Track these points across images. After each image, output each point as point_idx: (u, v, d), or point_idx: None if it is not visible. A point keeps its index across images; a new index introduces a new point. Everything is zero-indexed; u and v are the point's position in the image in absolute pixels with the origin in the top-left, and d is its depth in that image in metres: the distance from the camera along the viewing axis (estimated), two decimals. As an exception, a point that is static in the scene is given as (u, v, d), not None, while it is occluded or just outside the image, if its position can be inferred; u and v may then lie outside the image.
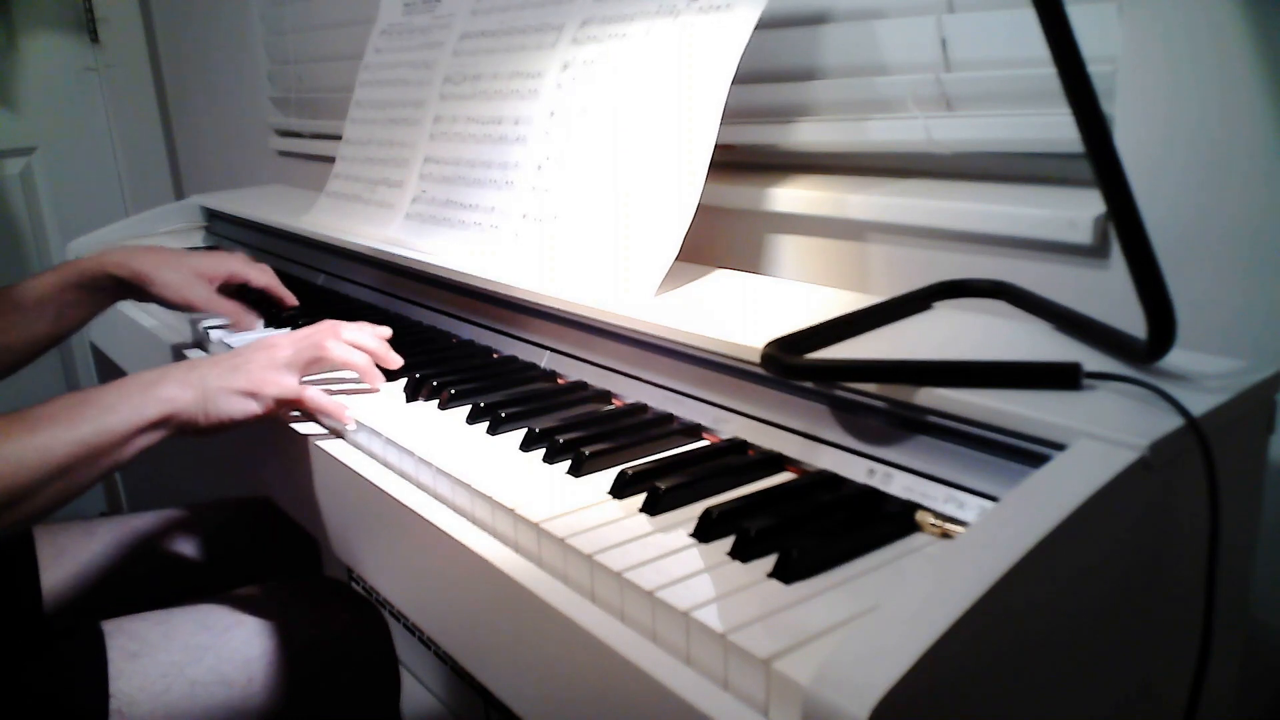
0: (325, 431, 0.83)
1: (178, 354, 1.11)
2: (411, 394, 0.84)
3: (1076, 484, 0.45)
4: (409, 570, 0.71)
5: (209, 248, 1.63)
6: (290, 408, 0.83)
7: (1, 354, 1.02)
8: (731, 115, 0.81)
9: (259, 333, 1.06)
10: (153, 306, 1.18)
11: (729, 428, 0.70)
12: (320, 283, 1.27)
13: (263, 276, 1.11)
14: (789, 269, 0.92)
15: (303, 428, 0.84)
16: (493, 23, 1.08)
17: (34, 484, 0.71)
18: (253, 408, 0.80)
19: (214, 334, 1.06)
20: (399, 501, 0.69)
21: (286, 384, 0.81)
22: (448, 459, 0.69)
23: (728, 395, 0.70)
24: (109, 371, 2.17)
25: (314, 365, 0.83)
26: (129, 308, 1.27)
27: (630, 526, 0.58)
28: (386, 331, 0.89)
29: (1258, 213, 0.63)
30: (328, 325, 0.86)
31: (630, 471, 0.63)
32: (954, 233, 0.78)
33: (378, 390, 0.85)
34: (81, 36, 2.24)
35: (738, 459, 0.66)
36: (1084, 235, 0.69)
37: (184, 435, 0.79)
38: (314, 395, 0.81)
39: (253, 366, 0.81)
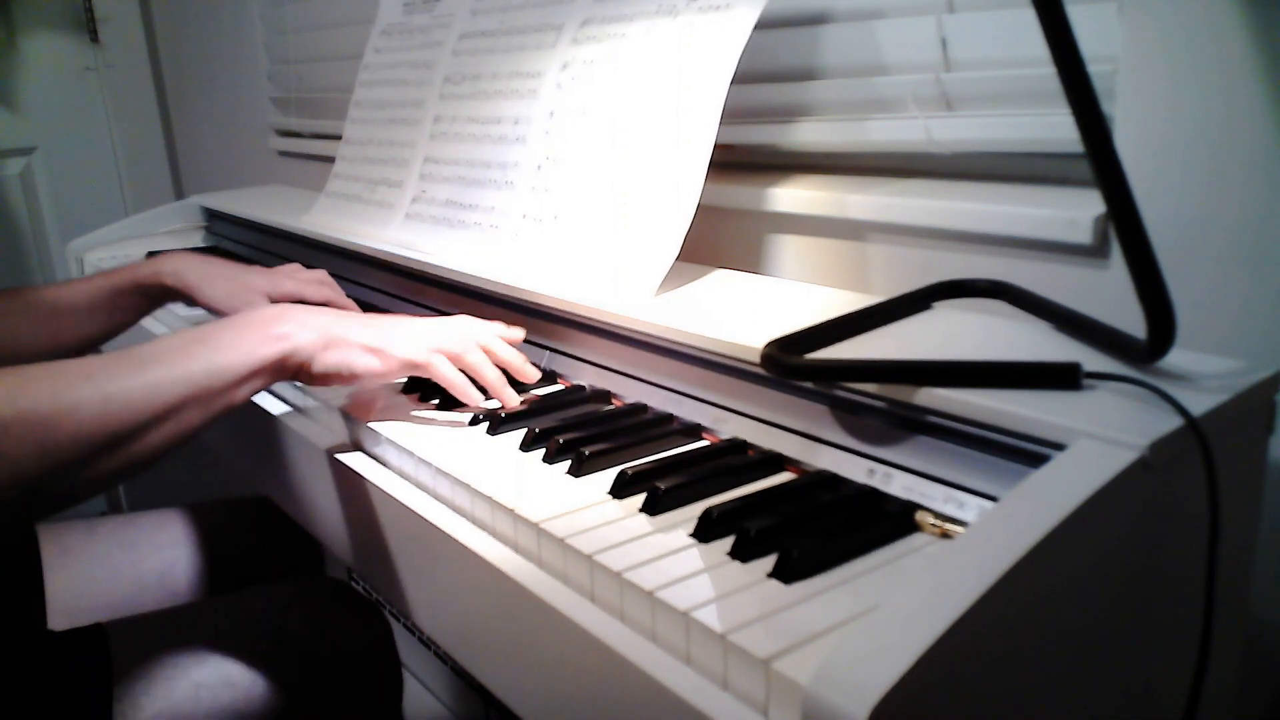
0: (324, 431, 0.83)
1: None
2: (411, 394, 0.84)
3: (1076, 484, 0.45)
4: (409, 570, 0.71)
5: (209, 248, 1.63)
6: (414, 372, 0.78)
7: (58, 352, 1.01)
8: (731, 115, 0.81)
9: None
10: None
11: (729, 428, 0.70)
12: (320, 283, 1.27)
13: (321, 291, 1.06)
14: (789, 269, 0.92)
15: (302, 428, 0.84)
16: (493, 23, 1.08)
17: (141, 425, 0.66)
18: (374, 364, 0.75)
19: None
20: (399, 502, 0.69)
21: (416, 350, 0.76)
22: (448, 459, 0.69)
23: (728, 395, 0.70)
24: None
25: (449, 355, 0.78)
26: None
27: (630, 526, 0.58)
28: (520, 334, 0.83)
29: (1257, 212, 0.63)
30: (470, 325, 0.80)
31: (630, 471, 0.63)
32: (954, 233, 0.78)
33: (512, 405, 0.78)
34: (81, 36, 2.24)
35: (738, 459, 0.66)
36: (1084, 235, 0.69)
37: (296, 379, 0.75)
38: (444, 366, 0.76)
39: (385, 326, 0.77)
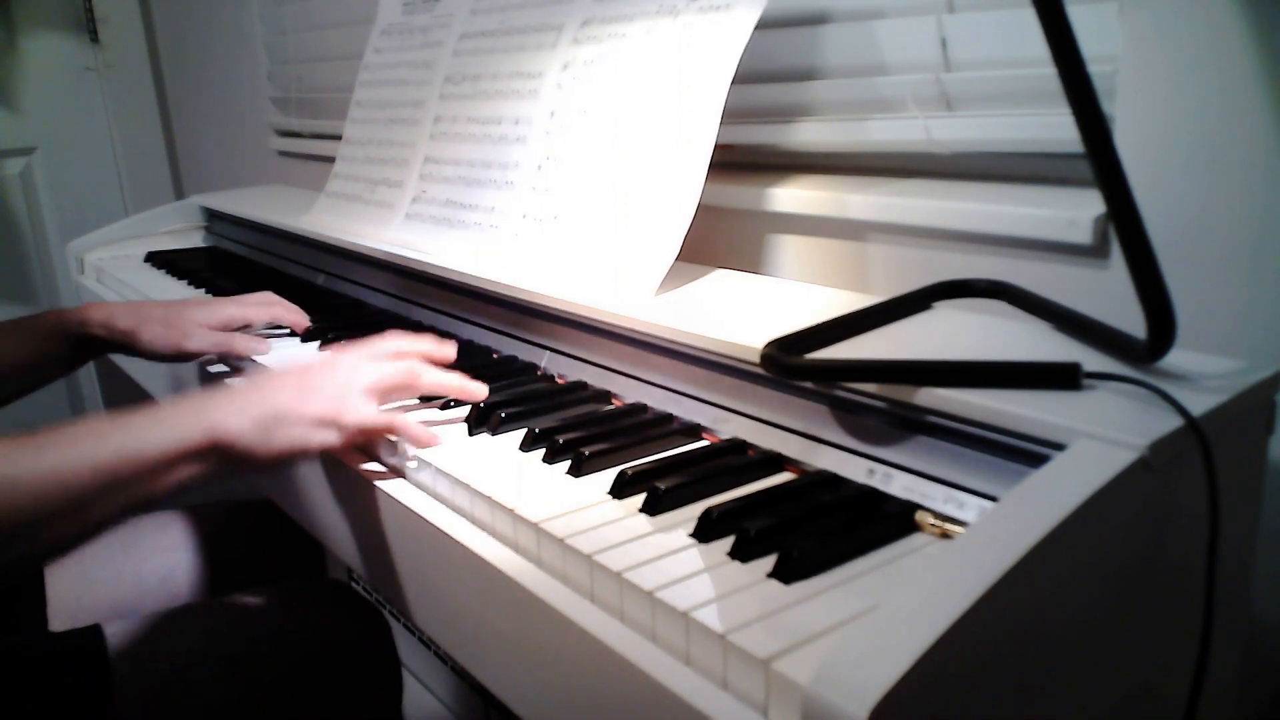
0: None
1: (201, 368, 1.03)
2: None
3: (1076, 484, 0.45)
4: (409, 571, 0.71)
5: (209, 248, 1.63)
6: (371, 437, 0.72)
7: None
8: (731, 115, 0.81)
9: (288, 350, 0.99)
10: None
11: (729, 428, 0.70)
12: (320, 283, 1.27)
13: (265, 312, 1.00)
14: (789, 269, 0.92)
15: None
16: (493, 23, 1.08)
17: (39, 516, 0.60)
18: (329, 438, 0.69)
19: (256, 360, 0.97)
20: (399, 502, 0.69)
21: (368, 411, 0.70)
22: (448, 459, 0.69)
23: (728, 395, 0.70)
24: (115, 382, 2.18)
25: (398, 393, 0.74)
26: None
27: (630, 526, 0.58)
28: (452, 351, 0.80)
29: (1258, 212, 0.63)
30: (402, 345, 0.76)
31: (630, 471, 0.63)
32: (954, 233, 0.78)
33: (479, 399, 0.77)
34: (81, 36, 2.24)
35: (738, 459, 0.66)
36: (1084, 235, 0.69)
37: (238, 470, 0.68)
38: (405, 423, 0.71)
39: (328, 388, 0.69)
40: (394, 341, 0.77)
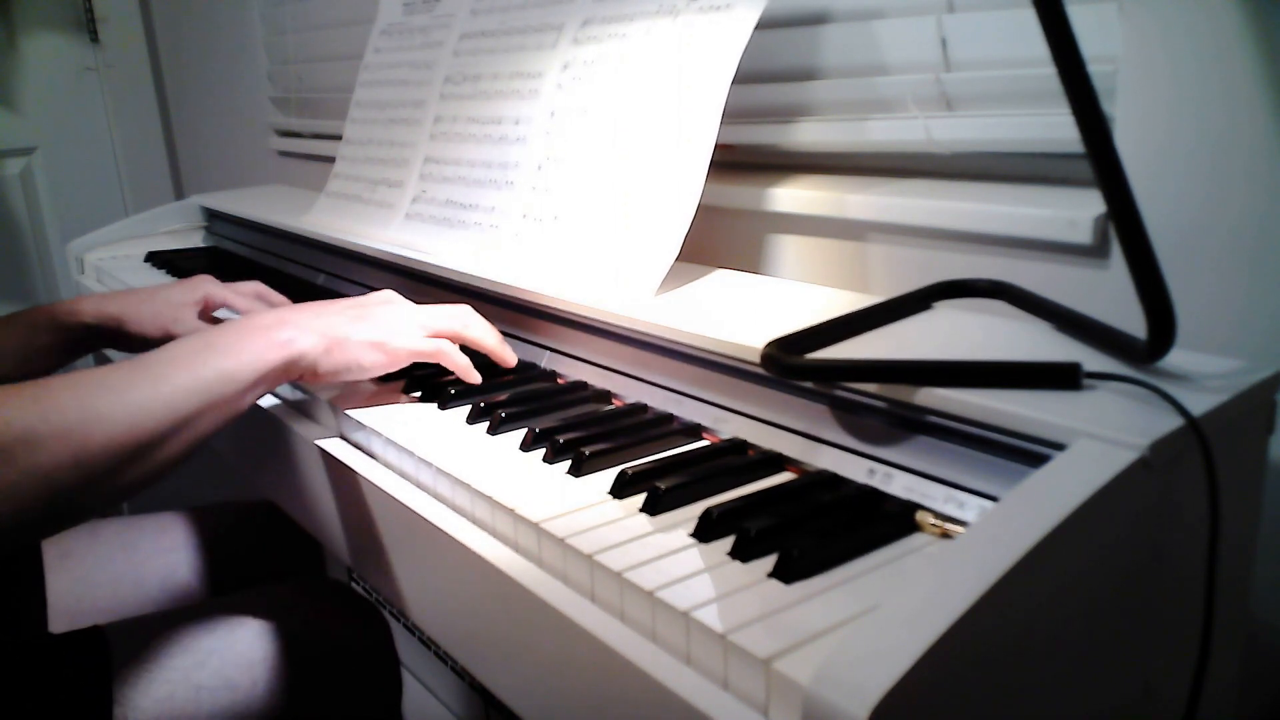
0: (325, 432, 0.83)
1: None
2: (410, 393, 0.84)
3: (1076, 484, 0.45)
4: (409, 571, 0.71)
5: (209, 248, 1.63)
6: (418, 359, 0.79)
7: None
8: (731, 115, 0.81)
9: None
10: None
11: (729, 428, 0.70)
12: (320, 283, 1.27)
13: (245, 302, 1.04)
14: (789, 269, 0.92)
15: (303, 430, 0.84)
16: (493, 23, 1.08)
17: (163, 433, 0.66)
18: (379, 359, 0.77)
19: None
20: (399, 501, 0.69)
21: (416, 338, 0.78)
22: (448, 459, 0.69)
23: (728, 395, 0.70)
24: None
25: (444, 335, 0.80)
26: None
27: (630, 526, 0.58)
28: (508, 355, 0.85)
29: (1258, 212, 0.63)
30: (450, 307, 0.82)
31: (630, 471, 0.63)
32: (954, 233, 0.78)
33: (509, 364, 0.83)
34: (81, 36, 2.24)
35: (738, 459, 0.66)
36: (1084, 235, 0.69)
37: (302, 380, 0.76)
38: (453, 352, 0.79)
39: (380, 317, 0.78)
40: (460, 308, 0.82)
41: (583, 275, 0.85)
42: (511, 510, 0.61)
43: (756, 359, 0.64)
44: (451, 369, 0.80)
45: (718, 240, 0.95)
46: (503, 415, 0.75)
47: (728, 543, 0.55)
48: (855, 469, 0.60)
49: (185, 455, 0.69)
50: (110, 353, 1.28)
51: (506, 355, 0.83)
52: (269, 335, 0.73)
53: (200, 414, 0.68)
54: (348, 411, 0.80)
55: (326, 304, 0.79)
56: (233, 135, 2.07)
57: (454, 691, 1.54)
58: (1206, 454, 0.49)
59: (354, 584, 1.58)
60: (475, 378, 0.80)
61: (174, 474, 0.70)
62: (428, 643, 1.55)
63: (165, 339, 0.99)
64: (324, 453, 0.79)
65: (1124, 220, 0.52)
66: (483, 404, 0.77)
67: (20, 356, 0.99)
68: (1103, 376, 0.55)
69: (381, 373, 0.78)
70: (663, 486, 0.60)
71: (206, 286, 1.04)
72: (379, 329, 0.77)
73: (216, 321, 1.05)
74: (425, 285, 1.06)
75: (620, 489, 0.63)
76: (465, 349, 0.82)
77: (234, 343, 0.72)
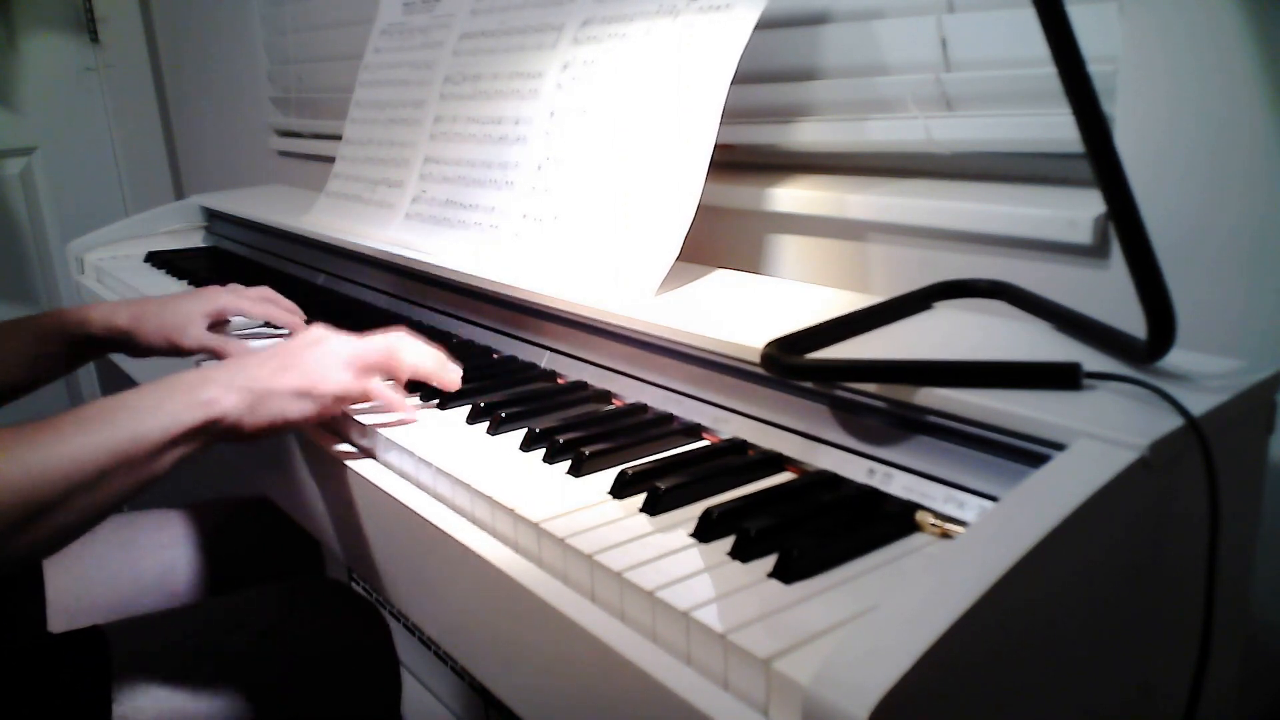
0: (324, 431, 0.82)
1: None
2: (411, 394, 0.84)
3: (1076, 484, 0.45)
4: (409, 570, 0.71)
5: (209, 248, 1.63)
6: (348, 404, 0.77)
7: None
8: (731, 115, 0.81)
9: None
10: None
11: (729, 428, 0.70)
12: (320, 283, 1.27)
13: (259, 308, 1.02)
14: (789, 269, 0.92)
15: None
16: (493, 23, 1.08)
17: (61, 495, 0.64)
18: (306, 408, 0.73)
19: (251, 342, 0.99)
20: (399, 501, 0.69)
21: (344, 379, 0.74)
22: (448, 459, 0.69)
23: (728, 395, 0.70)
24: (115, 382, 2.17)
25: (377, 369, 0.77)
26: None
27: (630, 526, 0.58)
28: (453, 374, 0.82)
29: (1258, 212, 0.63)
30: (386, 335, 0.79)
31: (630, 471, 0.63)
32: (954, 233, 0.78)
33: (452, 387, 0.80)
34: (81, 36, 2.24)
35: (738, 459, 0.66)
36: (1084, 235, 0.69)
37: (227, 441, 0.73)
38: (380, 390, 0.76)
39: (306, 362, 0.74)
40: (389, 337, 0.79)
41: (583, 275, 0.85)
42: (511, 510, 0.61)
43: (756, 359, 0.64)
44: (380, 403, 0.77)
45: (718, 240, 0.95)
46: (503, 415, 0.75)
47: (728, 543, 0.55)
48: (855, 469, 0.60)
49: (91, 521, 0.67)
50: (116, 358, 1.28)
51: (447, 377, 0.79)
52: (190, 395, 0.70)
53: (106, 477, 0.65)
54: (347, 412, 0.80)
55: (250, 356, 0.75)
56: (233, 135, 2.07)
57: (454, 691, 1.54)
58: (1206, 454, 0.49)
59: (354, 584, 1.58)
60: (404, 407, 0.77)
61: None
62: (428, 643, 1.55)
63: (170, 350, 0.98)
64: (323, 452, 0.79)
65: (1124, 220, 0.52)
66: (483, 404, 0.77)
67: (28, 364, 0.98)
68: (1103, 376, 0.55)
69: (312, 421, 0.74)
70: (663, 486, 0.60)
71: (220, 298, 1.01)
72: (304, 376, 0.73)
73: (220, 326, 1.04)
74: (425, 285, 1.06)
75: (620, 489, 0.63)
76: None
77: (151, 403, 0.69)
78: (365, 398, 0.76)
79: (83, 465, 0.64)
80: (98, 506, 0.66)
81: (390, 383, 0.80)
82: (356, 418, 0.78)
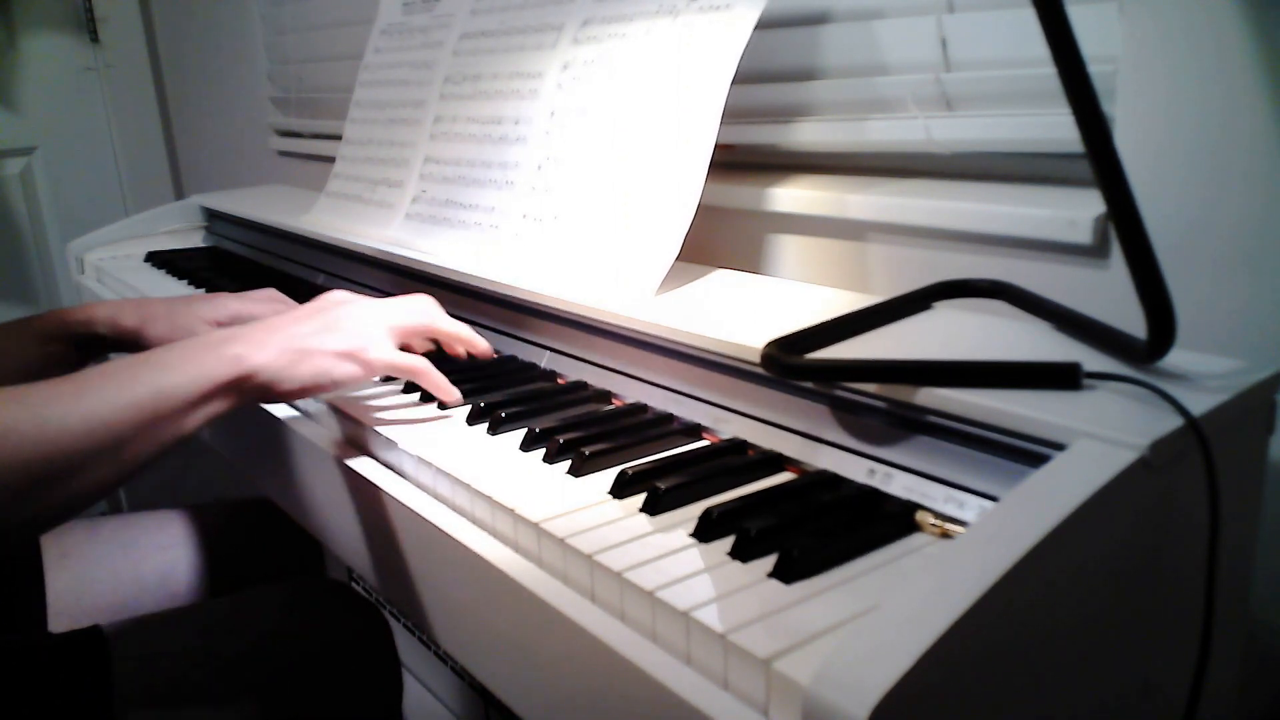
0: (324, 432, 0.83)
1: None
2: (410, 393, 0.84)
3: (1076, 484, 0.45)
4: (409, 570, 0.71)
5: (209, 248, 1.63)
6: (399, 375, 0.75)
7: None
8: (731, 115, 0.81)
9: None
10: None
11: (729, 428, 0.70)
12: (320, 283, 1.27)
13: (270, 309, 1.01)
14: (789, 269, 0.92)
15: (303, 428, 0.84)
16: (493, 23, 1.08)
17: (82, 457, 0.60)
18: (352, 370, 0.71)
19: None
20: (399, 501, 0.69)
21: (391, 350, 0.73)
22: (447, 459, 0.69)
23: (728, 395, 0.70)
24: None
25: (418, 334, 0.75)
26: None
27: (630, 526, 0.58)
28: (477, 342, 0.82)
29: (1258, 212, 0.63)
30: (419, 297, 0.78)
31: (630, 471, 0.63)
32: (954, 233, 0.78)
33: (490, 355, 0.81)
34: (81, 36, 2.24)
35: (738, 459, 0.66)
36: (1084, 235, 0.69)
37: (260, 401, 0.71)
38: (429, 370, 0.74)
39: (351, 324, 0.72)
40: (421, 300, 0.79)
41: (583, 275, 0.85)
42: (511, 510, 0.61)
43: (756, 359, 0.64)
44: (429, 389, 0.76)
45: (718, 240, 0.95)
46: (503, 415, 0.75)
47: (728, 543, 0.55)
48: (855, 469, 0.60)
49: (116, 482, 0.63)
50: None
51: (481, 345, 0.80)
52: (217, 350, 0.67)
53: (132, 434, 0.62)
54: (347, 412, 0.80)
55: (282, 316, 0.73)
56: (233, 135, 2.07)
57: (454, 691, 1.54)
58: (1206, 454, 0.49)
59: (354, 584, 1.58)
60: (455, 396, 0.77)
61: (166, 466, 0.67)
62: (428, 643, 1.55)
63: None
64: (324, 452, 0.79)
65: (1124, 220, 0.52)
66: (483, 404, 0.77)
67: (30, 365, 0.97)
68: (1103, 376, 0.55)
69: (354, 386, 0.72)
70: (663, 486, 0.60)
71: (230, 304, 0.99)
72: (350, 338, 0.71)
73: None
74: (425, 285, 1.06)
75: (620, 489, 0.63)
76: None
77: (176, 358, 0.66)
78: (414, 375, 0.75)
79: (105, 421, 0.61)
80: (120, 468, 0.63)
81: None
82: (356, 418, 0.78)
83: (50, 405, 0.60)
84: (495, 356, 0.80)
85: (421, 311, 0.76)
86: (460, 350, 0.81)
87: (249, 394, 0.69)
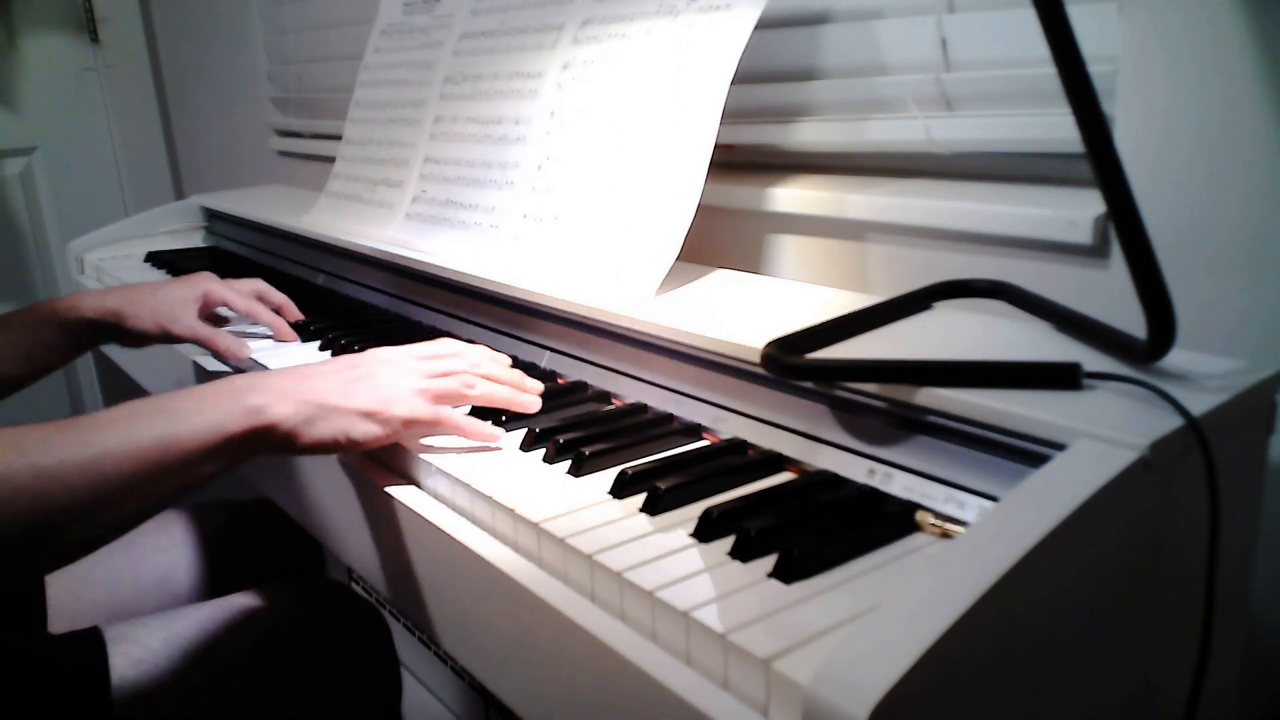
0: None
1: (198, 368, 1.03)
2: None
3: (1076, 484, 0.45)
4: (409, 570, 0.71)
5: (209, 248, 1.63)
6: (420, 431, 0.71)
7: None
8: (731, 115, 0.81)
9: (291, 352, 0.99)
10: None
11: (729, 428, 0.70)
12: (320, 283, 1.27)
13: (244, 303, 1.01)
14: (789, 269, 0.92)
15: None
16: (493, 23, 1.08)
17: (80, 508, 0.58)
18: (374, 430, 0.67)
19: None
20: (399, 501, 0.69)
21: (417, 404, 0.68)
22: (447, 459, 0.69)
23: (728, 395, 0.70)
24: (114, 377, 2.18)
25: (448, 400, 0.71)
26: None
27: (630, 526, 0.58)
28: (505, 360, 0.77)
29: (1258, 212, 0.63)
30: (456, 350, 0.73)
31: (630, 471, 0.63)
32: (954, 233, 0.78)
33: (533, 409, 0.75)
34: (81, 36, 2.24)
35: (738, 459, 0.66)
36: (1084, 235, 0.69)
37: (278, 453, 0.67)
38: (454, 418, 0.70)
39: (377, 382, 0.68)
40: (448, 346, 0.75)
41: (583, 275, 0.85)
42: (511, 510, 0.61)
43: (756, 359, 0.64)
44: (455, 432, 0.71)
45: (718, 240, 0.95)
46: (503, 415, 0.75)
47: (728, 543, 0.55)
48: (855, 469, 0.60)
49: (117, 532, 0.61)
50: (110, 351, 1.28)
51: (522, 400, 0.74)
52: (238, 400, 0.64)
53: (135, 486, 0.59)
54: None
55: (316, 366, 0.70)
56: (233, 135, 2.07)
57: (454, 691, 1.54)
58: (1206, 454, 0.49)
59: (354, 584, 1.58)
60: (479, 433, 0.71)
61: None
62: (428, 643, 1.55)
63: (163, 336, 0.99)
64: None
65: (1124, 220, 0.52)
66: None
67: (23, 355, 0.98)
68: (1103, 376, 0.55)
69: (375, 446, 0.69)
70: (663, 486, 0.60)
71: (207, 283, 1.02)
72: (375, 397, 0.67)
73: (216, 319, 1.05)
74: (425, 285, 1.06)
75: (620, 489, 0.63)
76: None
77: (189, 405, 0.63)
78: (437, 424, 0.70)
79: (105, 473, 0.58)
80: (121, 518, 0.60)
81: None
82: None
83: (49, 453, 0.57)
84: (535, 409, 0.75)
85: (458, 380, 0.71)
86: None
87: (264, 448, 0.65)
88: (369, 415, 0.67)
